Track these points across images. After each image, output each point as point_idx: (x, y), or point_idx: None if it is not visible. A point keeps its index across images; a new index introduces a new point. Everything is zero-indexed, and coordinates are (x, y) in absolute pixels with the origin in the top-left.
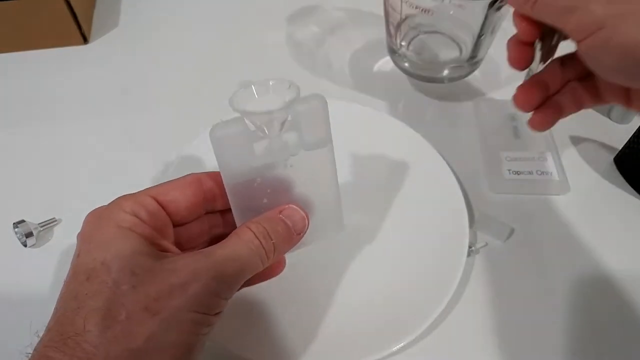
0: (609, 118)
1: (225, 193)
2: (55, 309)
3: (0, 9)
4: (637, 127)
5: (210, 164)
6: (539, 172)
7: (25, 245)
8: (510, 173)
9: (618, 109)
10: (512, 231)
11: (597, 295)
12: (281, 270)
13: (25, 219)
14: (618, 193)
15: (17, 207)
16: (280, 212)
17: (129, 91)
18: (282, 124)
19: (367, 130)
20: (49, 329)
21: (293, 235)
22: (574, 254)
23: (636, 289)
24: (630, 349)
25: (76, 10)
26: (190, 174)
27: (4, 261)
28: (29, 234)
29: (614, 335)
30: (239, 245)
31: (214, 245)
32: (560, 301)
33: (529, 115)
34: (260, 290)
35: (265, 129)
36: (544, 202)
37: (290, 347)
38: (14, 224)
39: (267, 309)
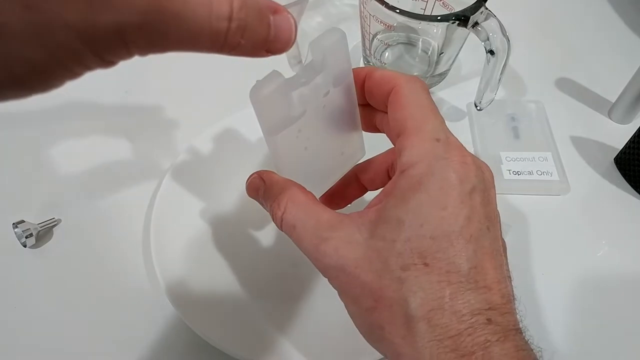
0: (609, 118)
1: None
2: None
3: None
4: (637, 127)
5: (214, 162)
6: (539, 172)
7: (25, 246)
8: (510, 173)
9: (618, 109)
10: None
11: (597, 295)
12: None
13: (25, 219)
14: (618, 193)
15: (17, 207)
16: (274, 13)
17: (131, 91)
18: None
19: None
20: None
21: (264, 44)
22: (574, 254)
23: (636, 288)
24: (630, 349)
25: None
26: None
27: (4, 261)
28: (28, 234)
29: (614, 334)
30: None
31: None
32: (560, 301)
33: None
34: (259, 290)
35: (298, 50)
36: (544, 202)
37: (288, 347)
38: (13, 224)
39: (265, 309)
